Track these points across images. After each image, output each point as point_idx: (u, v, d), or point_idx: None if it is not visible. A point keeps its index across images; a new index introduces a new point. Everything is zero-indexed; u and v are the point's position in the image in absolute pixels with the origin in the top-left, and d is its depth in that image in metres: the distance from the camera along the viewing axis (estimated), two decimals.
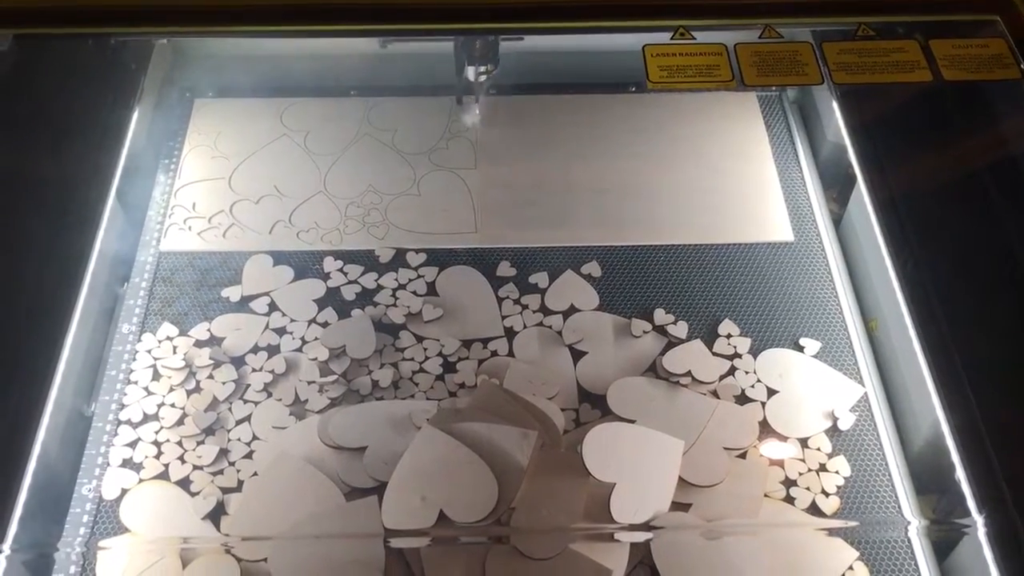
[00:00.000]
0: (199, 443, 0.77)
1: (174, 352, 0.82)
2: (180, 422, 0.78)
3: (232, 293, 0.87)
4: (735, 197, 0.96)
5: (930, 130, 0.86)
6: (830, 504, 0.74)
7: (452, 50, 0.98)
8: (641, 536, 0.69)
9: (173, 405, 0.79)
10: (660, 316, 0.85)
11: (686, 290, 0.88)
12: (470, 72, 0.99)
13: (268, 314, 0.86)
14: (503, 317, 0.85)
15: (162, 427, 0.78)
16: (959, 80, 0.85)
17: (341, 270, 0.89)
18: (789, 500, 0.74)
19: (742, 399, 0.80)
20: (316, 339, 0.83)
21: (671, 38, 0.87)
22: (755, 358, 0.83)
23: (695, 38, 0.87)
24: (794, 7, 0.90)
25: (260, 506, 0.72)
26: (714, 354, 0.83)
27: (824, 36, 0.89)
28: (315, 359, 0.82)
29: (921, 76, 0.85)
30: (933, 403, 0.72)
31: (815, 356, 0.83)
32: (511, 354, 0.83)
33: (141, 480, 0.75)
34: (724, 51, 0.86)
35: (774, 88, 1.03)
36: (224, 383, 0.80)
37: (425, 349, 0.83)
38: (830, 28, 0.90)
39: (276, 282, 0.88)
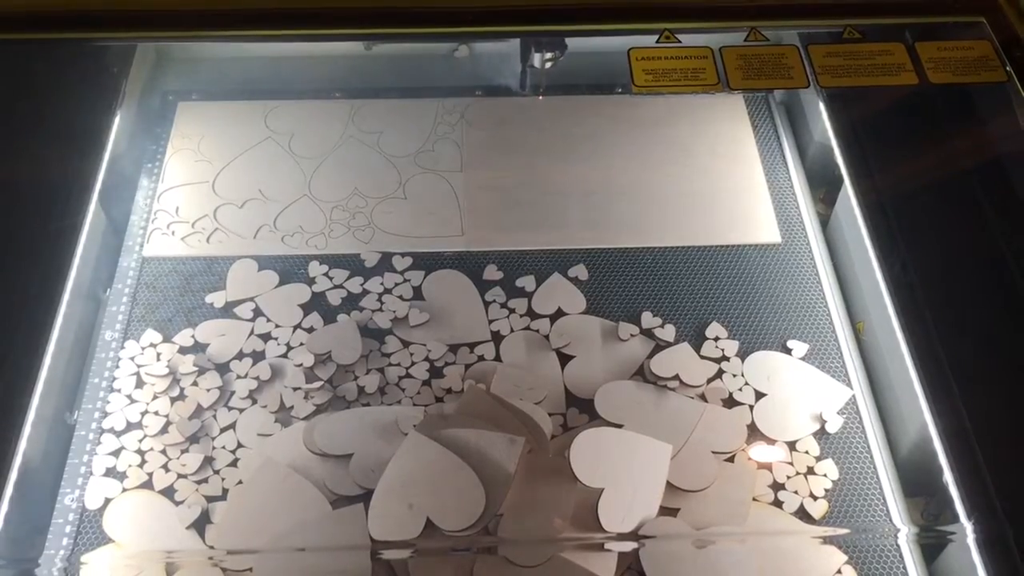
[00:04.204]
0: (183, 451, 0.76)
1: (158, 359, 0.82)
2: (164, 430, 0.77)
3: (216, 299, 0.86)
4: (722, 199, 0.96)
5: (916, 132, 0.87)
6: (818, 507, 0.74)
7: (437, 53, 0.97)
8: (629, 546, 0.69)
9: (157, 413, 0.78)
10: (647, 319, 0.85)
11: (673, 293, 0.88)
12: (536, 59, 0.99)
13: (253, 320, 0.85)
14: (490, 321, 0.85)
15: (146, 435, 0.77)
16: (945, 83, 0.85)
17: (326, 274, 0.88)
18: (777, 504, 0.74)
19: (730, 402, 0.80)
20: (301, 345, 0.83)
21: (656, 41, 0.87)
22: (743, 361, 0.82)
23: (680, 41, 0.87)
24: (780, 10, 0.89)
25: (245, 515, 0.72)
26: (702, 357, 0.83)
27: (810, 39, 0.89)
28: (300, 365, 0.81)
29: (907, 79, 0.85)
30: (920, 406, 0.72)
31: (803, 358, 0.83)
32: (498, 358, 0.83)
33: (125, 489, 0.74)
34: (710, 54, 0.86)
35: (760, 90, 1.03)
36: (208, 390, 0.79)
37: (411, 354, 0.83)
38: (816, 31, 0.90)
39: (261, 287, 0.87)
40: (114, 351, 0.83)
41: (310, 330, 0.84)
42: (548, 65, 0.98)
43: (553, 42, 0.96)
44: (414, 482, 0.71)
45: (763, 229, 0.93)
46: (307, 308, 0.86)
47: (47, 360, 0.74)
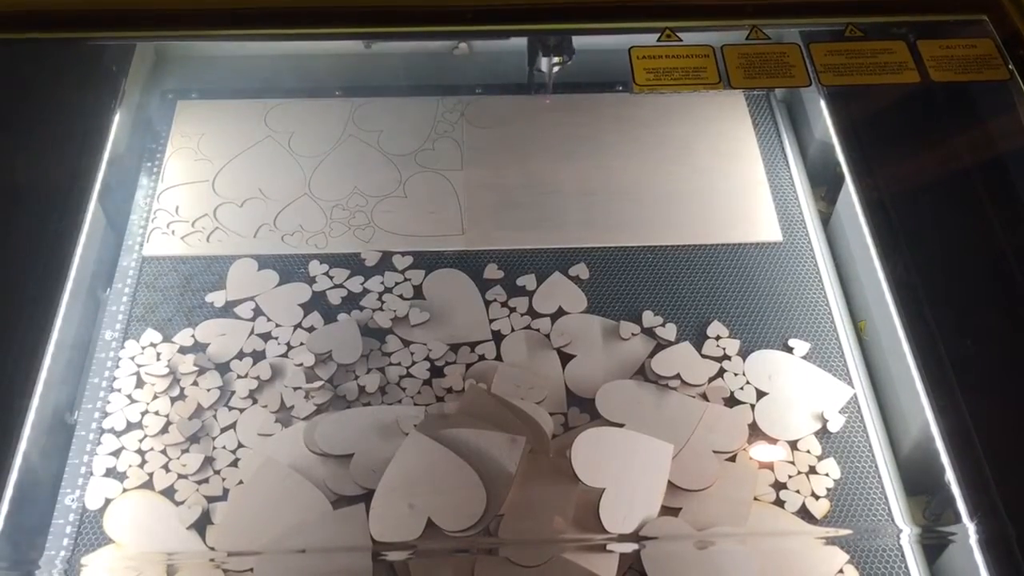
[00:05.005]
0: (184, 451, 0.76)
1: (158, 359, 0.82)
2: (164, 430, 0.77)
3: (216, 298, 0.86)
4: (723, 197, 0.96)
5: (918, 130, 0.86)
6: (820, 507, 0.74)
7: (438, 51, 0.97)
8: (631, 547, 0.68)
9: (157, 413, 0.78)
10: (648, 318, 0.85)
11: (674, 292, 0.87)
12: (543, 63, 0.99)
13: (253, 319, 0.85)
14: (490, 320, 0.85)
15: (146, 435, 0.77)
16: (947, 81, 0.85)
17: (327, 274, 0.88)
18: (779, 503, 0.74)
19: (731, 401, 0.80)
20: (302, 344, 0.83)
21: (657, 40, 0.86)
22: (744, 360, 0.82)
23: (681, 40, 0.86)
24: (781, 8, 0.89)
25: (246, 515, 0.72)
26: (703, 356, 0.83)
27: (811, 37, 0.88)
28: (301, 364, 0.81)
29: (909, 77, 0.84)
30: (922, 404, 0.72)
31: (804, 357, 0.83)
32: (499, 358, 0.82)
33: (125, 490, 0.74)
34: (711, 53, 0.85)
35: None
36: (209, 390, 0.79)
37: (412, 353, 0.82)
38: (817, 29, 0.89)
39: (261, 286, 0.87)
40: (114, 351, 0.82)
41: (310, 329, 0.84)
42: (556, 70, 0.98)
43: (561, 45, 0.96)
44: (415, 482, 0.71)
45: (764, 228, 0.93)
46: (307, 307, 0.85)
47: (47, 360, 0.73)
